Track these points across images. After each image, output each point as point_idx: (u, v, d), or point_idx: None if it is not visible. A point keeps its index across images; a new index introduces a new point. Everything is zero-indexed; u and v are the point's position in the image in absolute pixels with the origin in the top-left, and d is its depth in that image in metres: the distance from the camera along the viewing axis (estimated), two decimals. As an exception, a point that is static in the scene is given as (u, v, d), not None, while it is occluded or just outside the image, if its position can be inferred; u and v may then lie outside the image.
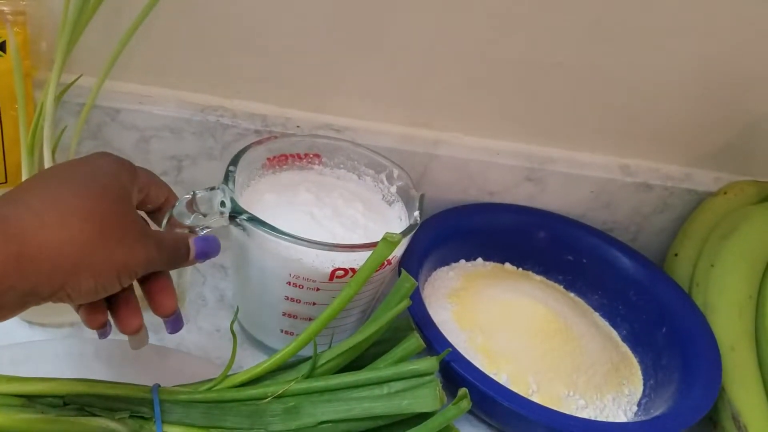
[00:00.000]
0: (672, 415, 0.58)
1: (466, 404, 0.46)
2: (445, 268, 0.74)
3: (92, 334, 0.61)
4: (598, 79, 0.71)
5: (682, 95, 0.74)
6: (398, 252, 0.59)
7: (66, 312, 0.62)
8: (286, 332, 0.61)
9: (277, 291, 0.58)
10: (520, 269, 0.78)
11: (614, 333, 0.74)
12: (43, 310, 0.60)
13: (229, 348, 0.53)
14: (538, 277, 0.77)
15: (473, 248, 0.76)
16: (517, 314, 0.67)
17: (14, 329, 0.60)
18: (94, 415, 0.49)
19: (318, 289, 0.57)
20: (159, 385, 0.51)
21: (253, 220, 0.54)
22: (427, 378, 0.51)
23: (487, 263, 0.77)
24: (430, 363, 0.51)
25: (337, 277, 0.56)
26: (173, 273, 0.56)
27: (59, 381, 0.49)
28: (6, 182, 0.66)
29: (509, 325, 0.66)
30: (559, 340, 0.66)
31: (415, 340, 0.54)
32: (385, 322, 0.53)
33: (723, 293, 0.68)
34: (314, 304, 0.58)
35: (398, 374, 0.51)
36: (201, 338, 0.65)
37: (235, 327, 0.54)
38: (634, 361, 0.71)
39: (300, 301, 0.58)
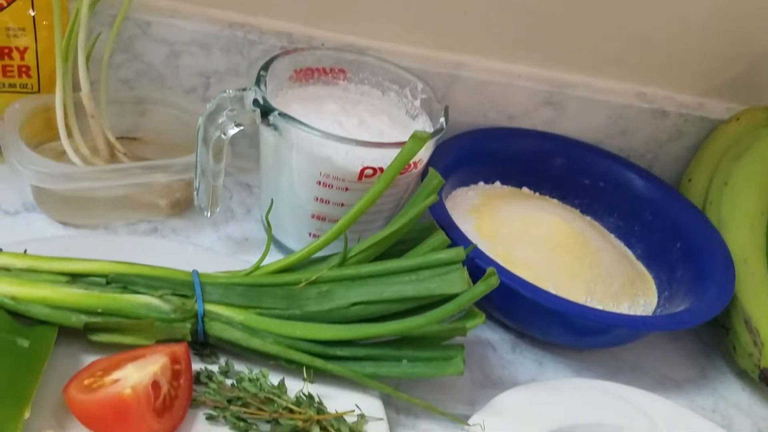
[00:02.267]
0: (687, 312, 0.60)
1: (494, 281, 0.48)
2: (464, 188, 0.75)
3: (126, 231, 0.63)
4: (618, 8, 0.73)
5: (698, 27, 0.75)
6: (424, 156, 0.61)
7: (101, 214, 0.65)
8: (314, 235, 0.63)
9: (307, 192, 0.60)
10: (537, 194, 0.80)
11: (630, 252, 0.76)
12: (78, 212, 0.63)
13: (259, 254, 0.55)
14: (555, 201, 0.79)
15: (492, 171, 0.78)
16: (537, 227, 0.69)
17: (48, 229, 0.62)
18: (137, 293, 0.51)
19: (347, 189, 0.58)
20: (197, 271, 0.54)
21: (285, 116, 0.56)
22: (455, 265, 0.53)
23: (505, 186, 0.79)
24: (456, 252, 0.53)
25: (366, 176, 0.58)
26: (209, 175, 0.58)
27: (102, 262, 0.52)
28: (39, 91, 0.67)
29: (529, 237, 0.68)
30: (577, 253, 0.68)
31: (440, 236, 0.56)
32: (414, 215, 0.55)
33: (736, 209, 0.70)
34: (342, 205, 0.60)
35: (426, 263, 0.53)
36: (230, 245, 0.67)
37: (264, 233, 0.55)
38: (648, 277, 0.73)
39: (329, 202, 0.60)
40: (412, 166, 0.59)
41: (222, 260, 0.59)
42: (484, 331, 0.66)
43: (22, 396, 0.42)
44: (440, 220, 0.62)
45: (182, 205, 0.68)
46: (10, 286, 0.48)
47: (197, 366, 0.52)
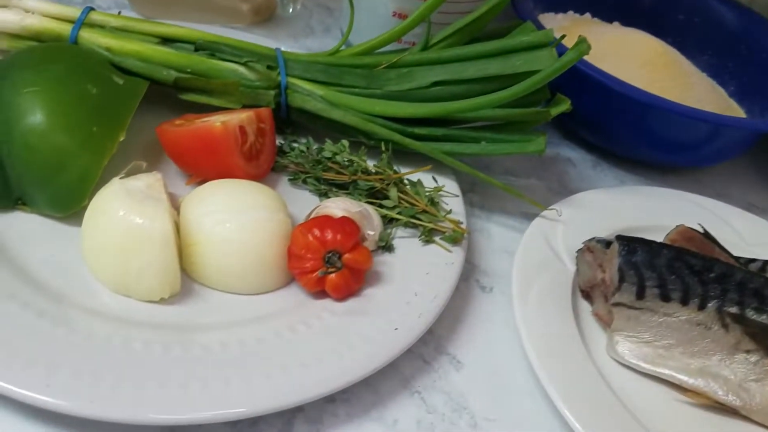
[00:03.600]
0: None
1: (585, 47, 0.46)
2: (552, 14, 0.73)
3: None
4: None
5: None
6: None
7: (185, 13, 0.65)
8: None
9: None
10: (628, 28, 0.76)
11: (722, 90, 0.72)
12: (165, 9, 0.63)
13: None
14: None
15: (584, 2, 0.74)
16: (627, 45, 0.66)
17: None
18: (223, 60, 0.52)
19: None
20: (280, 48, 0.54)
21: None
22: (543, 46, 0.51)
23: (595, 18, 0.75)
24: (544, 33, 0.51)
25: (453, -34, 0.56)
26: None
27: (189, 29, 0.52)
28: None
29: (618, 54, 0.65)
30: (667, 73, 0.65)
31: (528, 26, 0.54)
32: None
33: None
34: (426, -1, 0.58)
35: (512, 45, 0.52)
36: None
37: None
38: (741, 112, 0.69)
39: (412, -7, 0.58)
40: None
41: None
42: (563, 149, 0.65)
43: (118, 120, 0.44)
44: (527, 18, 0.59)
45: (265, 13, 0.68)
46: (105, 38, 0.49)
47: (280, 141, 0.53)
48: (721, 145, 0.61)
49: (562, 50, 0.55)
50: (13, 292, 0.38)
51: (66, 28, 0.49)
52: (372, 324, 0.41)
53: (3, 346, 0.35)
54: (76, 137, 0.41)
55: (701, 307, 0.44)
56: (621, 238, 0.45)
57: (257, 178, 0.48)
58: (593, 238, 0.49)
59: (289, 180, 0.51)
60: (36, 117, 0.41)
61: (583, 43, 0.47)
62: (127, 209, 0.39)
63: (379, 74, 0.53)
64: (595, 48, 0.67)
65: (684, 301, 0.44)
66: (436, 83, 0.52)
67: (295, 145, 0.53)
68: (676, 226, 0.48)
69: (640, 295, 0.44)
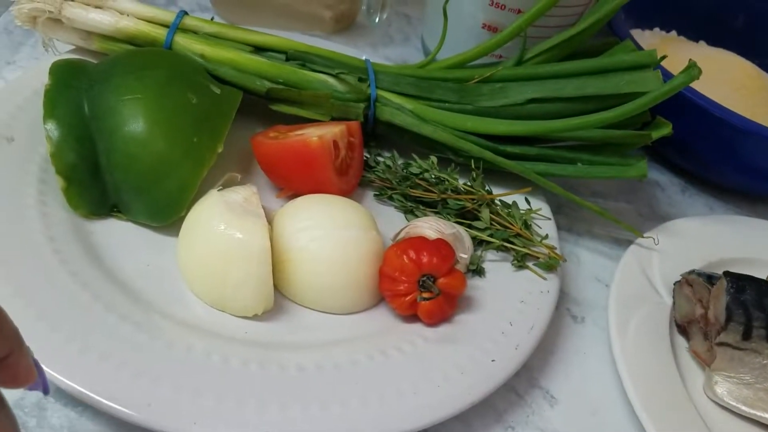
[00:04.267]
0: None
1: (696, 72, 0.44)
2: (638, 30, 0.70)
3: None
4: None
5: None
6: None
7: (268, 18, 0.64)
8: (481, 53, 0.60)
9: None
10: (715, 48, 0.73)
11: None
12: (247, 13, 0.62)
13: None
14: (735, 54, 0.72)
15: (670, 17, 0.72)
16: (720, 67, 0.63)
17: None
18: (314, 71, 0.51)
19: (527, -7, 0.55)
20: (370, 60, 0.53)
21: None
22: (647, 67, 0.49)
23: (681, 37, 0.73)
24: (650, 54, 0.49)
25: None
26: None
27: (282, 38, 0.52)
28: None
29: (711, 76, 0.61)
30: (761, 98, 0.62)
31: (627, 44, 0.52)
32: (605, 14, 0.50)
33: None
34: (519, 12, 0.57)
35: (614, 64, 0.50)
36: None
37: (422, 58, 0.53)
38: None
39: (505, 7, 0.56)
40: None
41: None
42: (652, 173, 0.62)
43: (217, 131, 0.43)
44: (624, 38, 0.57)
45: (346, 21, 0.67)
46: (199, 44, 0.49)
47: (365, 154, 0.52)
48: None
49: (661, 71, 0.53)
50: (111, 302, 0.38)
51: (161, 33, 0.49)
52: (468, 354, 0.39)
53: (106, 359, 0.35)
54: (177, 147, 0.41)
55: (811, 351, 0.41)
56: (729, 275, 0.43)
57: (347, 193, 0.47)
58: (693, 270, 0.47)
59: (375, 195, 0.50)
60: (138, 125, 0.40)
61: (694, 68, 0.44)
62: (227, 223, 0.39)
63: (471, 89, 0.52)
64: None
65: (793, 345, 0.41)
66: (531, 100, 0.50)
67: (381, 159, 0.52)
68: (785, 263, 0.46)
69: (747, 335, 0.42)
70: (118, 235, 0.42)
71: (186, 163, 0.41)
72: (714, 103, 0.54)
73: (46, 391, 0.28)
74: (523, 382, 0.42)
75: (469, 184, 0.49)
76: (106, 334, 0.36)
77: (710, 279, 0.45)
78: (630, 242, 0.50)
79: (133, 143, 0.40)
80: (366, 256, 0.42)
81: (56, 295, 0.37)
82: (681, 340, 0.47)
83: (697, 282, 0.46)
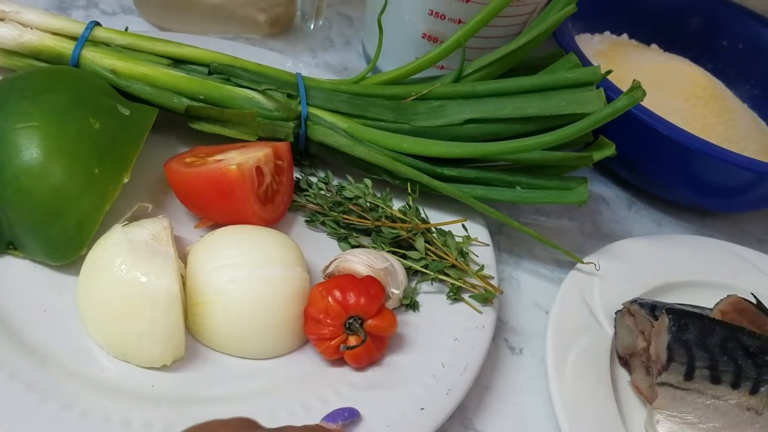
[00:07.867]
0: None
1: (640, 94, 0.42)
2: (588, 35, 0.68)
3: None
4: None
5: None
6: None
7: (198, 22, 0.60)
8: (422, 61, 0.57)
9: (420, 3, 0.53)
10: (668, 53, 0.71)
11: (764, 124, 0.68)
12: (176, 16, 0.58)
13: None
14: (687, 60, 0.71)
15: (621, 21, 0.70)
16: (670, 75, 0.61)
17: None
18: (239, 86, 0.47)
19: (468, 1, 0.52)
20: (301, 74, 0.50)
21: None
22: (590, 86, 0.47)
23: (633, 40, 0.71)
24: (592, 71, 0.47)
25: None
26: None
27: (204, 50, 0.48)
28: None
29: (661, 86, 0.60)
30: (711, 109, 0.60)
31: (571, 58, 0.50)
32: (546, 28, 0.48)
33: None
34: (459, 22, 0.54)
35: (555, 81, 0.47)
36: (328, 73, 0.62)
37: (364, 64, 0.50)
38: (786, 149, 0.65)
39: (444, 17, 0.53)
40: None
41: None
42: (597, 187, 0.61)
43: (122, 160, 0.40)
44: (568, 50, 0.55)
45: (282, 24, 0.63)
46: (110, 59, 0.45)
47: (297, 175, 0.49)
48: (765, 191, 0.57)
49: (606, 85, 0.51)
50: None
51: (68, 47, 0.45)
52: (396, 404, 0.37)
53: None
54: (76, 179, 0.37)
55: (753, 391, 0.40)
56: (671, 312, 0.41)
57: (272, 222, 0.44)
58: (635, 300, 0.45)
59: (306, 221, 0.47)
60: (31, 156, 0.36)
61: (638, 90, 0.42)
62: (129, 265, 0.35)
63: (407, 107, 0.49)
64: (634, 76, 0.62)
65: (735, 385, 0.40)
66: (470, 120, 0.48)
67: (313, 179, 0.49)
68: (728, 295, 0.45)
69: (689, 376, 0.40)
70: (14, 274, 0.38)
71: (86, 197, 0.37)
72: (661, 119, 0.52)
73: None
74: (456, 425, 0.40)
75: (404, 210, 0.46)
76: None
77: (653, 310, 0.43)
78: (572, 264, 0.48)
79: (25, 176, 0.36)
80: (289, 296, 0.39)
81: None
82: (623, 372, 0.45)
83: (639, 313, 0.44)
